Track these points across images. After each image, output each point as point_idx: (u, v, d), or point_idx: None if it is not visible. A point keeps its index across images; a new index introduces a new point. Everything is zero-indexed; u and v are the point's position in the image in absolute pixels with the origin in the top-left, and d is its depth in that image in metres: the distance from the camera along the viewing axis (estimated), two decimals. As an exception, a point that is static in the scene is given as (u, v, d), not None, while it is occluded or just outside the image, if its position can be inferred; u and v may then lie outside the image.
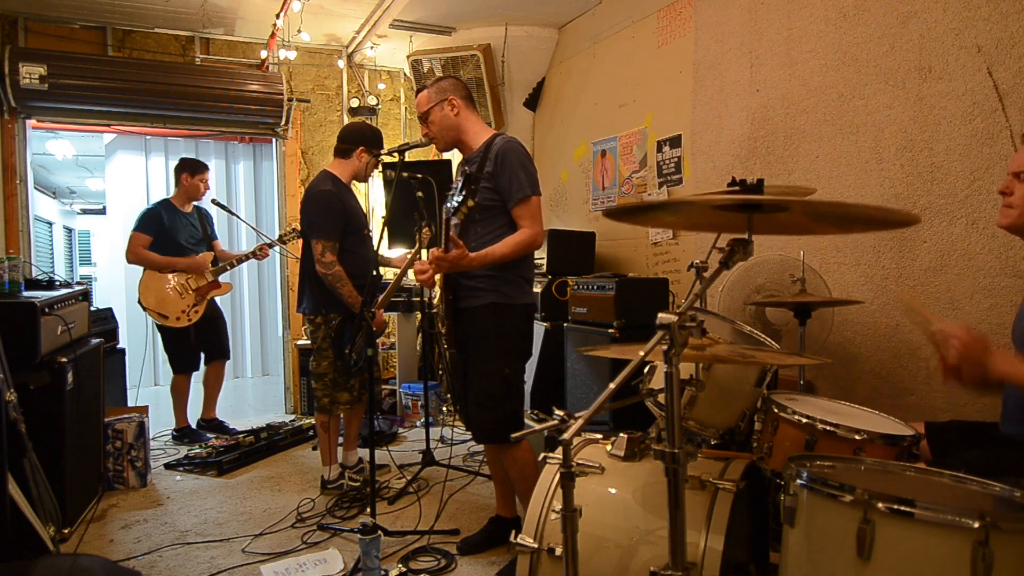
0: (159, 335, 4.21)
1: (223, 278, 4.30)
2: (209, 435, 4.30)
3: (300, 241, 3.38)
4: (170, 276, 4.07)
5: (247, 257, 4.24)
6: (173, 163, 6.56)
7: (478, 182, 2.42)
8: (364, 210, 3.44)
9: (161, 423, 4.53)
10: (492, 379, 2.42)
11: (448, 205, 2.56)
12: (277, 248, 4.30)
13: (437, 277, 2.48)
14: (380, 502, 3.15)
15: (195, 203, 4.33)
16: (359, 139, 3.29)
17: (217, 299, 4.33)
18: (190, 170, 4.23)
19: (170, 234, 4.10)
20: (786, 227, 1.41)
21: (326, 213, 3.12)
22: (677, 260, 3.69)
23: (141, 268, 4.08)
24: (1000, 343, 2.24)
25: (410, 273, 3.16)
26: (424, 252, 3.59)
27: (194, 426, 4.40)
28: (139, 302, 4.06)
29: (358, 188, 5.15)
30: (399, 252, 3.90)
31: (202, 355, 4.30)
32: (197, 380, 4.39)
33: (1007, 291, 2.25)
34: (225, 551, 2.70)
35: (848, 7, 2.75)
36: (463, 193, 2.43)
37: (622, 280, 3.24)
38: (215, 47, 4.99)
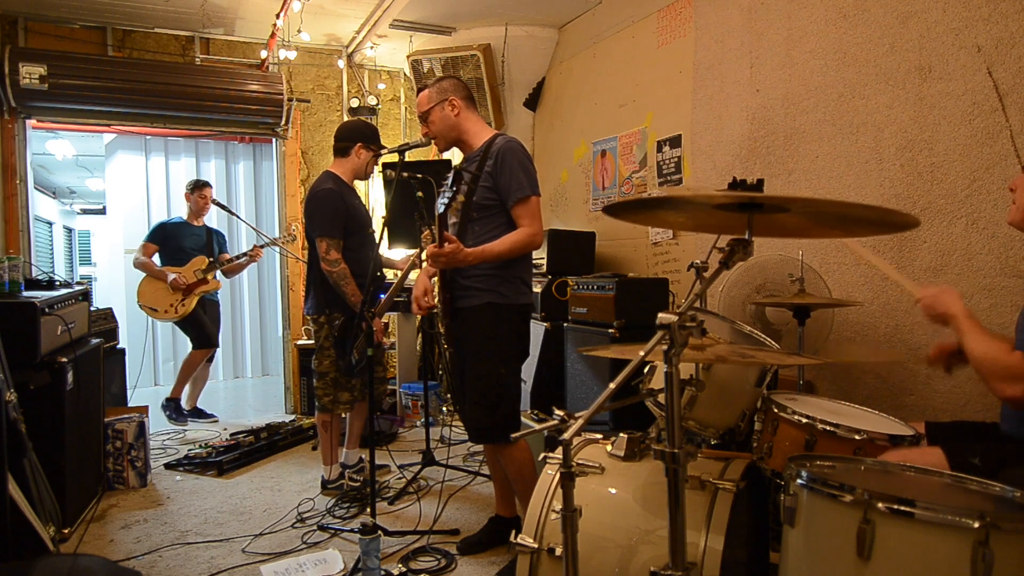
0: (176, 328, 4.75)
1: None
2: (191, 421, 4.72)
3: (298, 243, 3.47)
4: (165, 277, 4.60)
5: (240, 257, 4.72)
6: (173, 163, 6.71)
7: (474, 179, 2.42)
8: (367, 210, 3.44)
9: (161, 423, 4.55)
10: (488, 380, 2.42)
11: (439, 202, 2.57)
12: (277, 248, 4.82)
13: (435, 279, 2.48)
14: (380, 502, 3.15)
15: (207, 223, 4.84)
16: (355, 135, 3.29)
17: (219, 299, 4.91)
18: (189, 188, 4.78)
19: (175, 240, 4.66)
20: (786, 229, 1.41)
21: (327, 211, 3.13)
22: (677, 260, 3.69)
23: (142, 273, 4.61)
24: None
25: (412, 274, 3.16)
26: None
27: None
28: (138, 303, 4.56)
29: (357, 188, 5.17)
30: (399, 252, 3.90)
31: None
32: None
33: (1007, 291, 2.25)
34: (225, 551, 2.70)
35: (848, 7, 2.75)
36: (453, 189, 2.44)
37: (622, 280, 3.24)
38: (215, 47, 4.98)
